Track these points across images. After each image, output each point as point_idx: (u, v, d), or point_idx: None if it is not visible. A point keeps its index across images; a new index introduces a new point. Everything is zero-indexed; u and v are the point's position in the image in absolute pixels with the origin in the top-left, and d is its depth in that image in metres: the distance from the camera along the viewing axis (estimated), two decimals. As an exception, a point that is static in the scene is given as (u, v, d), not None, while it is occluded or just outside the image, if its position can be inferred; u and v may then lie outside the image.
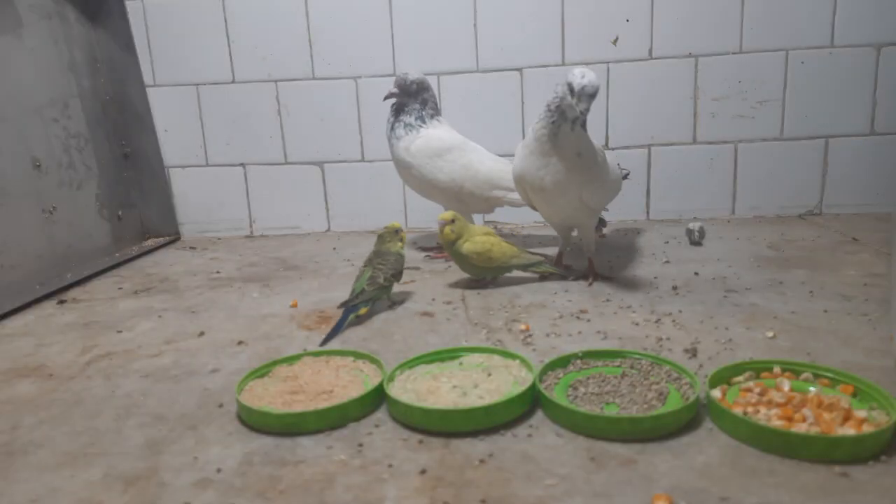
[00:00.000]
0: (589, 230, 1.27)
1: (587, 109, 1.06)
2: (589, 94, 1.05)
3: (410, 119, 1.48)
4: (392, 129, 1.50)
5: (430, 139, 1.46)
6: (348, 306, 1.11)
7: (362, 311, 1.11)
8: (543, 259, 1.27)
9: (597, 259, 1.33)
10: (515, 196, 1.47)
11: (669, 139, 1.77)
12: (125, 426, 0.79)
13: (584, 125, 1.12)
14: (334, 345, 1.01)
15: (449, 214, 1.21)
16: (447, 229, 1.19)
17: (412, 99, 1.47)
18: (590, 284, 1.25)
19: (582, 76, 1.05)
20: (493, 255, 1.19)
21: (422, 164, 1.46)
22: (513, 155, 1.54)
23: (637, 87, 1.74)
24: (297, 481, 0.66)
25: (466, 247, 1.19)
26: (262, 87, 1.81)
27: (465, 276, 1.31)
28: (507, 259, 1.21)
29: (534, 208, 1.31)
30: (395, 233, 1.22)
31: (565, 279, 1.27)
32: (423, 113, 1.48)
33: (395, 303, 1.19)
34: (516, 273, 1.29)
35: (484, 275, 1.25)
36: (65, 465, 0.71)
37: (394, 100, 1.48)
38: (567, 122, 1.09)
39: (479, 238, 1.20)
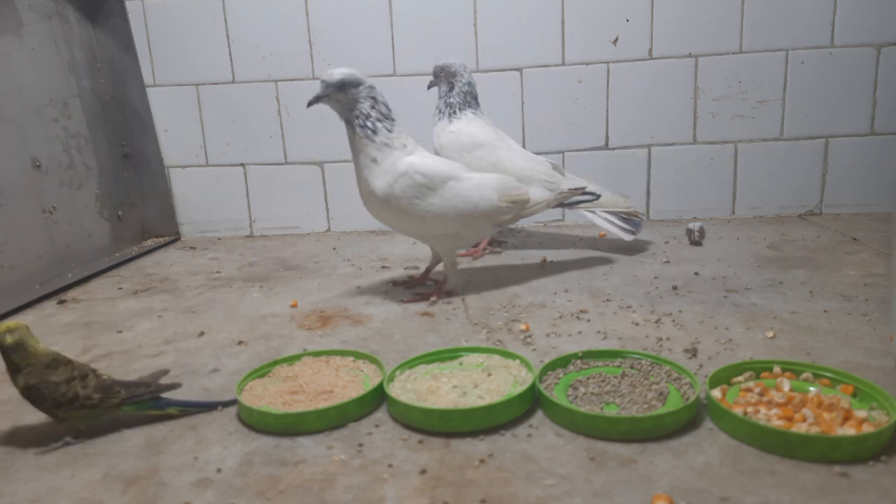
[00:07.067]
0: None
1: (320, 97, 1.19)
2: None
3: (440, 104, 1.46)
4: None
5: (461, 133, 1.42)
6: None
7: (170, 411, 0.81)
8: None
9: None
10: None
11: (669, 139, 1.77)
12: (125, 426, 0.79)
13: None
14: (334, 345, 1.01)
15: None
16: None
17: (439, 81, 1.45)
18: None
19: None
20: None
21: (449, 157, 1.40)
22: (535, 153, 1.52)
23: (637, 87, 1.74)
24: (297, 481, 0.66)
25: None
26: (262, 87, 1.81)
27: (464, 275, 1.32)
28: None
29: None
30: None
31: None
32: (451, 101, 1.45)
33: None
34: (504, 274, 1.29)
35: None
36: (65, 465, 0.71)
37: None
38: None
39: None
